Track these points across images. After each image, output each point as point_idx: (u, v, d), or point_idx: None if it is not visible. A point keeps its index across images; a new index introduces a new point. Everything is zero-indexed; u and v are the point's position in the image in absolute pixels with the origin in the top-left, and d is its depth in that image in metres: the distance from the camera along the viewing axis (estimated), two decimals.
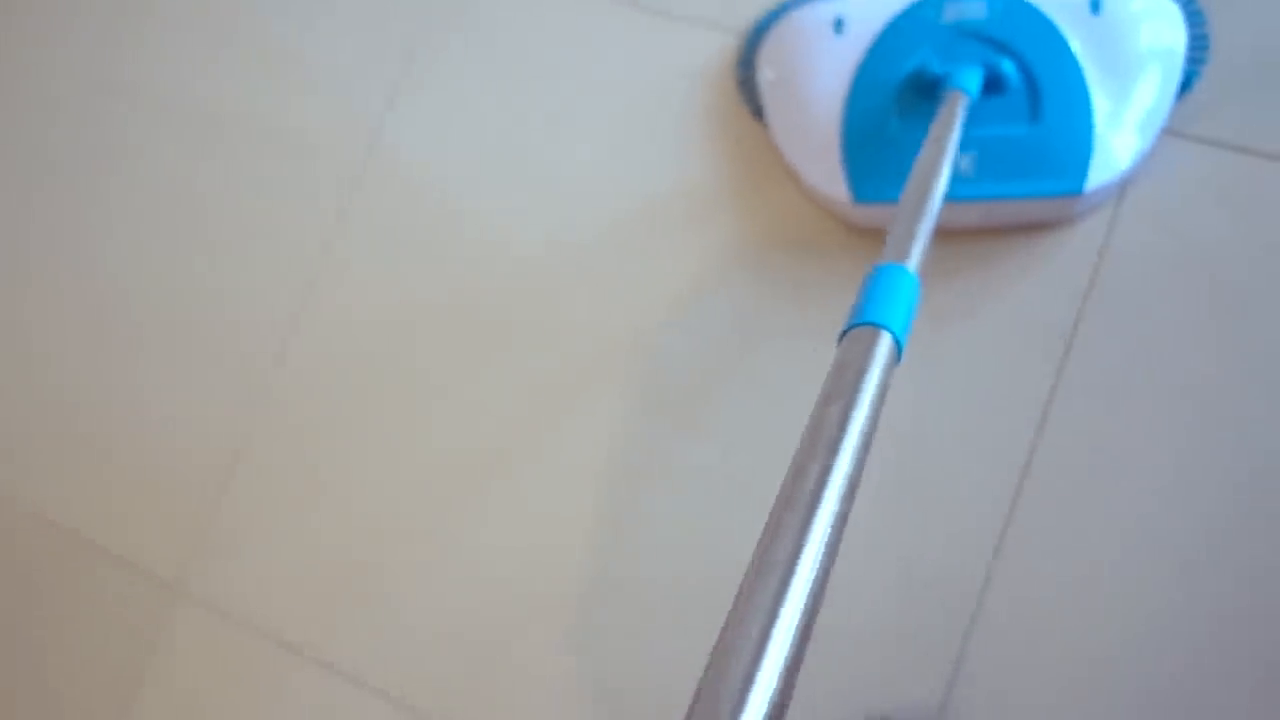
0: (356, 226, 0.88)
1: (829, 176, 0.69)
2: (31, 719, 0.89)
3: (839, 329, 0.42)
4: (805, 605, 0.30)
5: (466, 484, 0.80)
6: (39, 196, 1.00)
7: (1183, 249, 0.68)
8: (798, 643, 0.29)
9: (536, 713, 0.75)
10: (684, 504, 0.75)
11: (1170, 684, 0.63)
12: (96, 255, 0.96)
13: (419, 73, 0.89)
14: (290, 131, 0.93)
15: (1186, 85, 0.68)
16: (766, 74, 0.74)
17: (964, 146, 0.65)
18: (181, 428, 0.89)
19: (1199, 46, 0.68)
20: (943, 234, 0.70)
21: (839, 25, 0.71)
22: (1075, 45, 0.66)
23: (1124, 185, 0.68)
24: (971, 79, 0.63)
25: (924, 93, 0.66)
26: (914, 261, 0.47)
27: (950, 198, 0.65)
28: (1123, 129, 0.65)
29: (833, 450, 0.35)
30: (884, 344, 0.40)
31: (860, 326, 0.41)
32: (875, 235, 0.61)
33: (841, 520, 0.33)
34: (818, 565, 0.31)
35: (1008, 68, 0.65)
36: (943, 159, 0.55)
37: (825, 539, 0.31)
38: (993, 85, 0.66)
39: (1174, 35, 0.67)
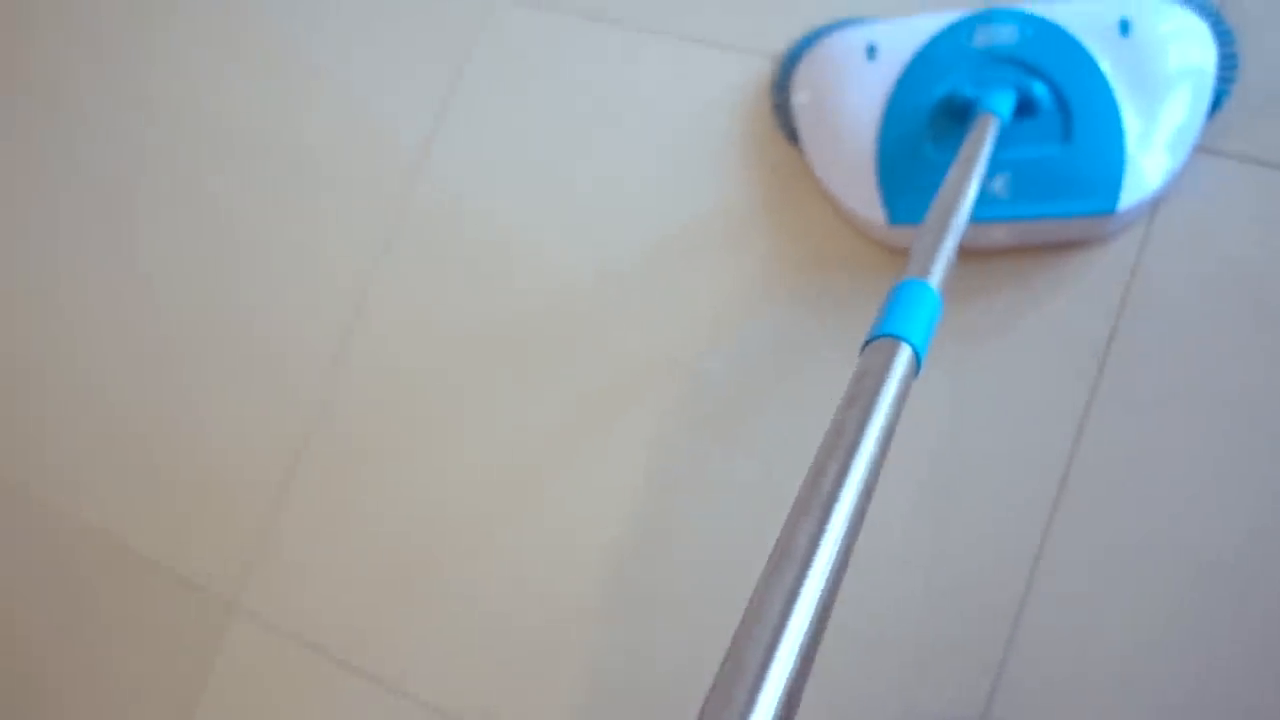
0: (405, 247, 0.91)
1: (864, 199, 0.71)
2: None
3: None
4: (821, 594, 0.32)
5: (511, 498, 0.83)
6: (90, 219, 1.04)
7: (1215, 265, 0.69)
8: (813, 629, 0.31)
9: (573, 717, 0.77)
10: (723, 517, 0.76)
11: (1210, 693, 0.64)
12: (149, 277, 1.00)
13: (463, 100, 0.92)
14: (337, 154, 0.96)
15: (1217, 103, 0.69)
16: (800, 99, 0.76)
17: (997, 168, 0.67)
18: (235, 446, 0.92)
19: (1229, 65, 0.69)
20: (978, 254, 0.72)
21: (871, 51, 0.73)
22: (1105, 67, 0.67)
23: (1156, 203, 0.70)
24: (1003, 102, 0.65)
25: (957, 117, 0.68)
26: (936, 278, 0.49)
27: (985, 218, 0.67)
28: (1154, 148, 0.67)
29: (850, 452, 0.37)
30: (903, 355, 0.42)
31: (881, 338, 0.43)
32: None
33: (858, 516, 0.35)
34: (834, 557, 0.33)
35: (1039, 90, 0.67)
36: (969, 178, 0.56)
37: (842, 533, 0.34)
38: (1025, 108, 0.67)
39: (1203, 54, 0.68)
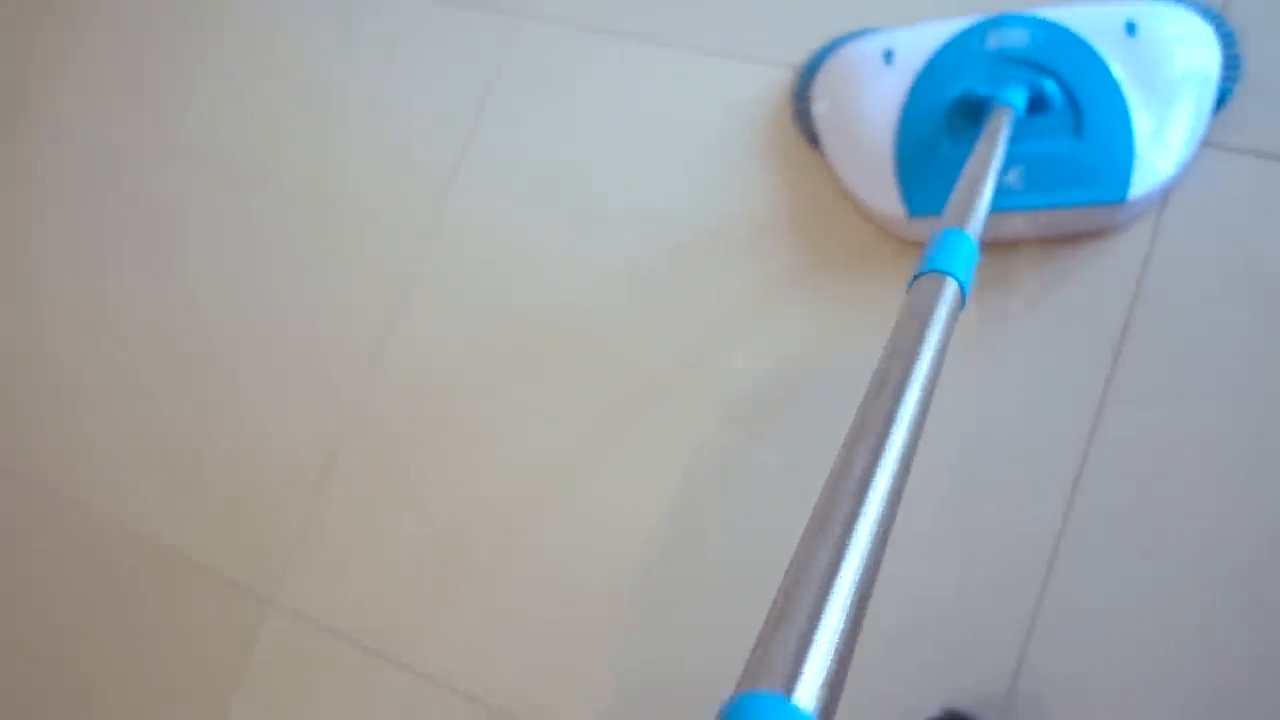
0: (442, 251, 0.94)
1: (884, 194, 0.74)
2: None
3: None
4: (879, 520, 0.32)
5: (546, 494, 0.85)
6: (137, 239, 1.08)
7: (1224, 251, 0.71)
8: (872, 549, 0.31)
9: (609, 708, 0.79)
10: (751, 508, 0.78)
11: (1227, 669, 0.65)
12: (193, 292, 1.03)
13: (494, 112, 0.96)
14: (374, 166, 1.00)
15: (1222, 101, 0.72)
16: (821, 103, 0.79)
17: (1012, 161, 0.70)
18: (274, 448, 0.95)
19: (1232, 65, 0.72)
20: (996, 246, 0.75)
21: (888, 56, 0.76)
22: (1114, 65, 0.70)
23: (1165, 195, 0.72)
24: (1017, 95, 0.68)
25: (971, 114, 0.71)
26: (973, 228, 0.52)
27: (1001, 208, 0.70)
28: (1162, 141, 0.69)
29: (908, 368, 0.39)
30: (950, 288, 0.45)
31: (928, 274, 0.46)
32: None
33: (909, 451, 0.36)
34: (891, 479, 0.33)
35: (1050, 88, 0.70)
36: (991, 159, 0.59)
37: (899, 453, 0.35)
38: (1037, 105, 0.70)
39: (1207, 54, 0.71)
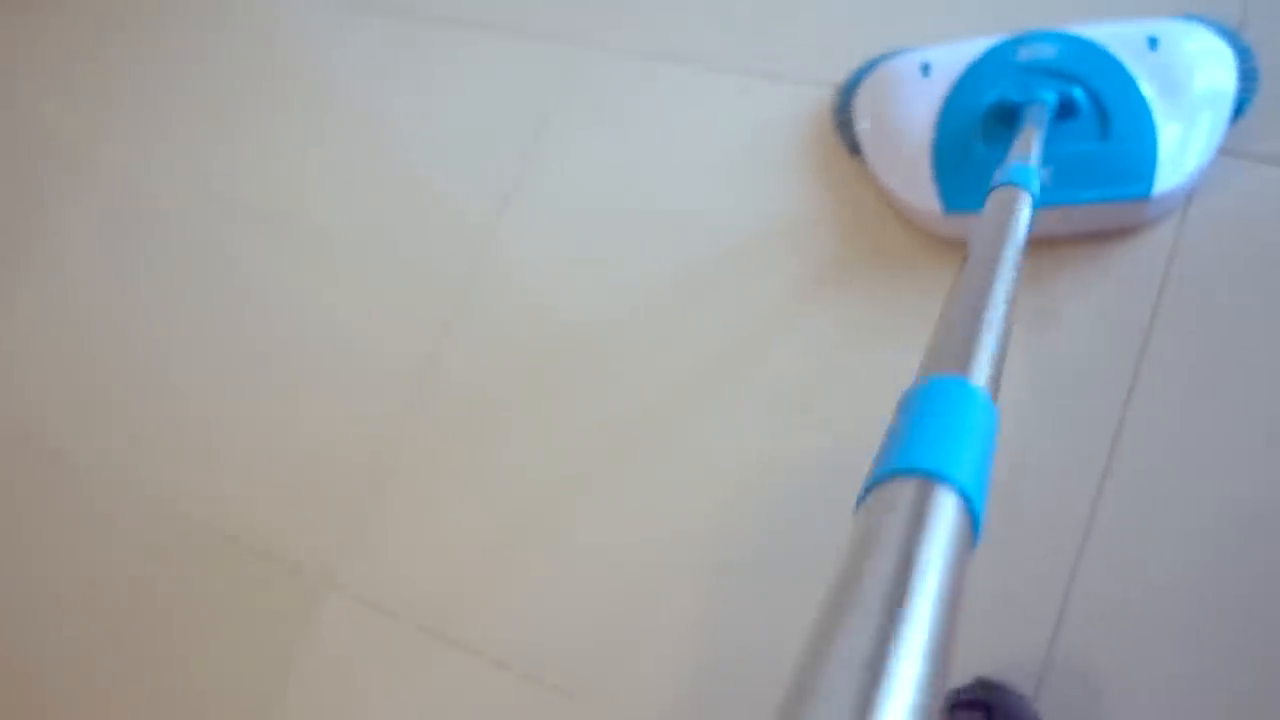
0: (507, 241, 1.00)
1: (922, 192, 0.79)
2: (192, 701, 0.97)
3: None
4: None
5: (595, 480, 0.89)
6: (192, 254, 1.14)
7: (1243, 248, 0.76)
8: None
9: (659, 686, 0.82)
10: (799, 492, 0.82)
11: (1262, 637, 0.68)
12: (261, 308, 1.09)
13: (552, 135, 1.03)
14: (435, 178, 1.06)
15: (1239, 111, 0.77)
16: (864, 110, 0.85)
17: (1044, 161, 0.74)
18: (331, 440, 0.99)
19: (1249, 78, 0.77)
20: (1031, 242, 0.80)
21: (926, 69, 0.82)
22: (1137, 75, 0.75)
23: (1188, 195, 0.77)
24: (1048, 95, 0.73)
25: (1004, 119, 0.76)
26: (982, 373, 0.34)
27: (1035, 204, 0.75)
28: (1183, 144, 0.74)
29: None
30: (946, 505, 0.26)
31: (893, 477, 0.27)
32: (962, 247, 0.70)
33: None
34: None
35: (1078, 94, 0.75)
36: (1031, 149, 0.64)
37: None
38: (1066, 111, 0.76)
39: (1224, 67, 0.76)
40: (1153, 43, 0.77)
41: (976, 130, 0.78)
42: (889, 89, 0.84)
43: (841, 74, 0.91)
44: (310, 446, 1.01)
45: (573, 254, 0.98)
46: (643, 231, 0.96)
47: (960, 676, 0.74)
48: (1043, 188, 0.75)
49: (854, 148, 0.87)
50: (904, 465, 0.27)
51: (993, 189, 0.50)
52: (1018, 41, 0.80)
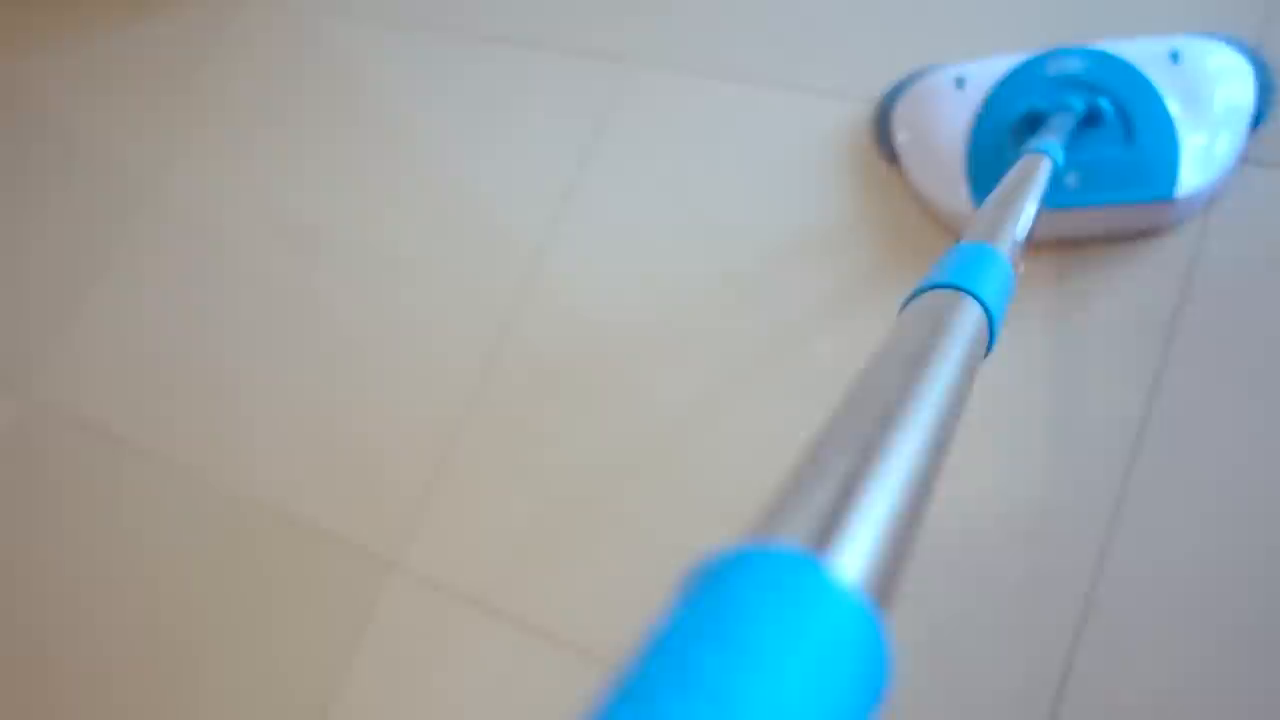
0: (559, 262, 1.06)
1: (956, 196, 0.85)
2: (260, 678, 1.03)
3: None
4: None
5: (651, 466, 0.94)
6: (269, 261, 1.21)
7: (1265, 252, 0.81)
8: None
9: None
10: None
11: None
12: (329, 302, 1.16)
13: (601, 151, 1.09)
14: (495, 186, 1.13)
15: (1258, 120, 0.82)
16: (902, 122, 0.91)
17: (1070, 167, 0.80)
18: (397, 425, 1.06)
19: (1266, 89, 0.82)
20: (1053, 245, 0.85)
21: (960, 82, 0.88)
22: (1160, 85, 0.81)
23: (1210, 200, 0.82)
24: (1075, 103, 0.79)
25: (1034, 126, 0.82)
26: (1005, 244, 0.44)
27: (1060, 205, 0.80)
28: (1204, 149, 0.79)
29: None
30: (970, 311, 0.35)
31: (934, 290, 0.36)
32: None
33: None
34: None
35: (1104, 103, 0.80)
36: (1053, 142, 0.69)
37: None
38: (1092, 119, 0.81)
39: (1243, 80, 0.82)
40: (1175, 56, 0.82)
41: (1007, 137, 0.83)
42: (926, 102, 0.89)
43: (879, 90, 0.97)
44: (376, 440, 1.07)
45: (623, 263, 1.04)
46: (691, 241, 1.02)
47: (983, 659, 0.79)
48: (1070, 191, 0.80)
49: (892, 157, 0.93)
50: (941, 281, 0.37)
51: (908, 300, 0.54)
52: (1046, 57, 0.85)
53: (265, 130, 1.31)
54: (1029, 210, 0.52)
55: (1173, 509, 0.77)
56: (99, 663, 1.10)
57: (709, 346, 0.97)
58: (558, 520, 0.96)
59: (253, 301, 1.20)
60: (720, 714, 0.15)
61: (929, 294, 0.36)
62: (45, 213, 1.38)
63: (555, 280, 1.06)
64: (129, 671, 1.08)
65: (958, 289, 0.36)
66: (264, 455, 1.11)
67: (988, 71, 0.87)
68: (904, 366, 0.30)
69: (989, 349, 0.36)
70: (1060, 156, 0.55)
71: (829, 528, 0.20)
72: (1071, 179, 0.80)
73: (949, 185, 0.86)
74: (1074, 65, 0.84)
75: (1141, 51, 0.83)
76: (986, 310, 0.35)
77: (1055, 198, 0.72)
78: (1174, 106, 0.80)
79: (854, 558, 0.20)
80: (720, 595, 0.18)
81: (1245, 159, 0.83)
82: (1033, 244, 0.57)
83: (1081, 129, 0.81)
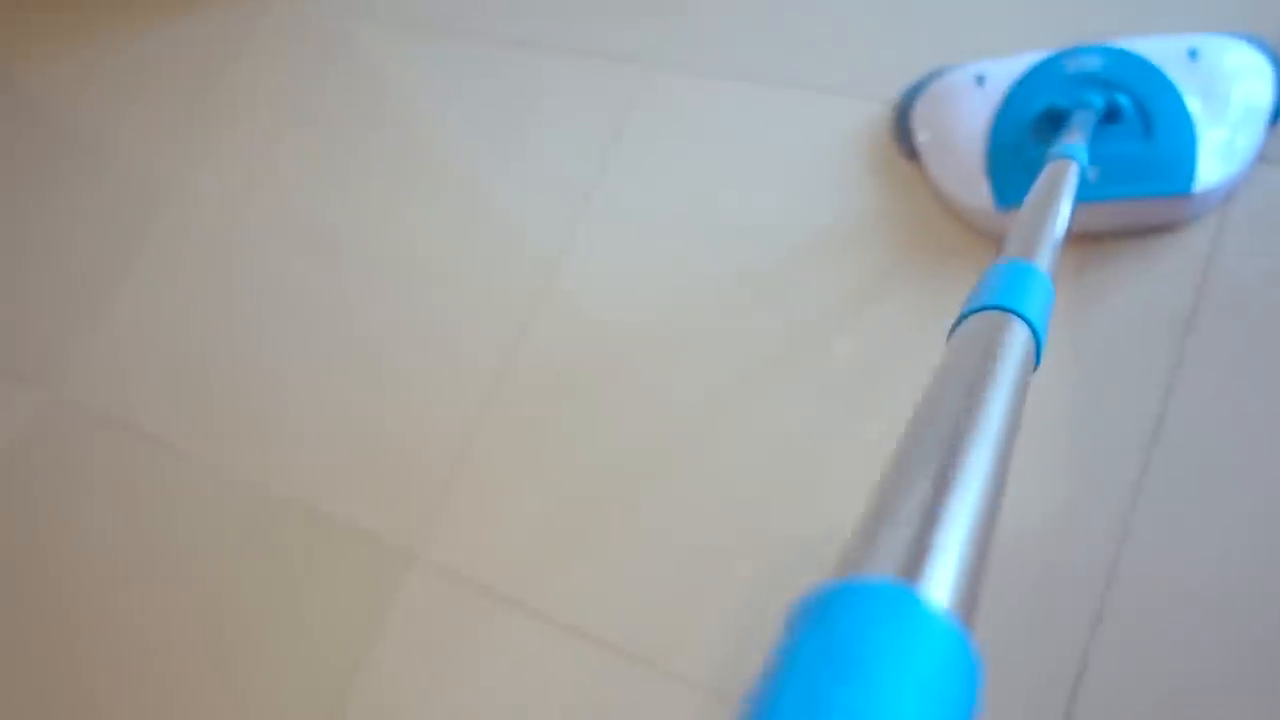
0: (578, 263, 1.08)
1: (976, 192, 0.86)
2: (277, 669, 1.04)
3: None
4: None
5: (668, 460, 0.95)
6: (295, 259, 1.23)
7: (1278, 246, 0.81)
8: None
9: (725, 651, 0.87)
10: (859, 470, 0.88)
11: None
12: (354, 300, 1.18)
13: (622, 151, 1.11)
14: (514, 186, 1.14)
15: (1276, 118, 0.83)
16: (922, 120, 0.92)
17: (1091, 161, 0.81)
18: (419, 419, 1.07)
19: None
20: (1073, 238, 0.86)
21: (980, 80, 0.89)
22: (1178, 82, 0.82)
23: (1227, 196, 0.83)
24: (1095, 100, 0.80)
25: (1054, 123, 0.83)
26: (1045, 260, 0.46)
27: (1080, 199, 0.81)
28: (1222, 146, 0.80)
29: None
30: (1018, 333, 0.36)
31: (982, 312, 0.37)
32: None
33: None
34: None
35: (1123, 100, 0.81)
36: (1075, 141, 0.70)
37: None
38: (1111, 116, 0.82)
39: (1261, 78, 0.82)
40: (1193, 54, 0.83)
41: (1027, 135, 0.84)
42: (945, 100, 0.90)
43: (897, 89, 0.98)
44: (398, 437, 1.08)
45: (641, 264, 1.05)
46: (710, 242, 1.03)
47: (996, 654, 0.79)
48: (1090, 185, 0.81)
49: (911, 154, 0.94)
50: (989, 303, 0.38)
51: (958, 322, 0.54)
52: (1065, 55, 0.86)
53: (290, 132, 1.33)
54: (1063, 218, 0.54)
55: (1189, 507, 0.78)
56: (128, 652, 1.11)
57: (727, 346, 0.98)
58: (575, 516, 0.97)
59: (277, 300, 1.22)
60: None
61: (977, 316, 0.38)
62: (74, 211, 1.40)
63: (574, 281, 1.07)
64: (157, 661, 1.10)
65: (1004, 310, 0.38)
66: (289, 451, 1.13)
67: (1007, 69, 0.88)
68: (963, 394, 0.32)
69: (1035, 365, 0.38)
70: (1085, 159, 0.56)
71: (918, 558, 0.22)
72: (1091, 173, 0.81)
73: (969, 183, 0.86)
74: (1093, 63, 0.85)
75: (1160, 49, 0.84)
76: (1033, 329, 0.37)
77: (1076, 191, 0.73)
78: (1193, 103, 0.81)
79: (941, 585, 0.22)
80: (834, 629, 0.21)
81: (1263, 157, 0.83)
82: None
83: (1101, 125, 0.82)
